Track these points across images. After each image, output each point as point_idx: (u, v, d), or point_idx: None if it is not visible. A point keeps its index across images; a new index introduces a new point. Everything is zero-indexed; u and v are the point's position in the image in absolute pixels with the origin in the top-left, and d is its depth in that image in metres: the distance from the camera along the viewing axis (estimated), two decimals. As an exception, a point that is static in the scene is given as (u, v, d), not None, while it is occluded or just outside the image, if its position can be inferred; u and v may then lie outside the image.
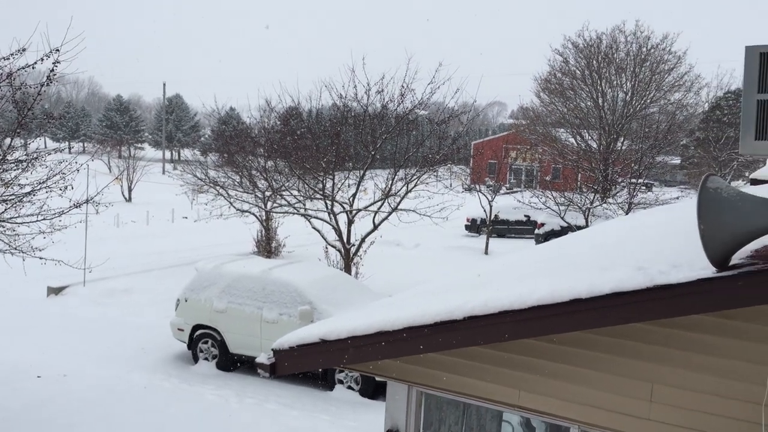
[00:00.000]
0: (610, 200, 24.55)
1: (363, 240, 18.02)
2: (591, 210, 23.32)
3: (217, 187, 22.72)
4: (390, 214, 18.15)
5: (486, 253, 26.29)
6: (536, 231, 27.95)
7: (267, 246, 23.91)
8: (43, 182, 9.93)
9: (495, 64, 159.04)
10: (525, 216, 30.76)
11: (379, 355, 4.66)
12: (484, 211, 28.04)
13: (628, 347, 4.20)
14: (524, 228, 31.29)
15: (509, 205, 30.51)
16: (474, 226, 31.99)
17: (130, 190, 47.45)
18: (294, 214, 20.26)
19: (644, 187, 28.84)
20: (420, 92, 17.91)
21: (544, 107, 37.48)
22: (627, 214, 21.90)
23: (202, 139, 74.30)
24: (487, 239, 26.99)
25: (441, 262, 23.37)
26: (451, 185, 29.02)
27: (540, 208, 24.52)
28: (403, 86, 17.57)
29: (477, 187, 28.31)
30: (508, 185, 44.37)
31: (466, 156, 35.60)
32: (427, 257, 24.65)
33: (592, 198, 23.79)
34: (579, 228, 20.67)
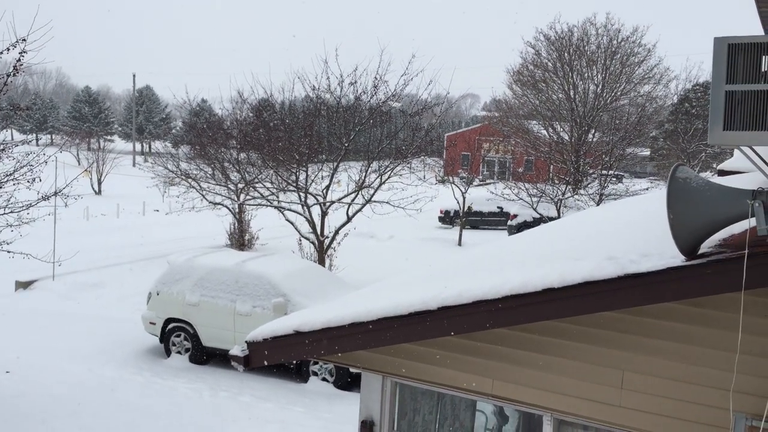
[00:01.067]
0: (582, 191, 24.80)
1: (337, 232, 18.00)
2: (563, 201, 23.54)
3: (189, 180, 22.49)
4: (364, 206, 18.14)
5: (459, 244, 26.42)
6: (509, 222, 28.13)
7: (240, 238, 23.76)
8: (10, 174, 9.75)
9: (468, 56, 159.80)
10: (498, 207, 30.95)
11: (353, 346, 4.66)
12: (458, 202, 28.16)
13: (600, 336, 4.26)
14: (497, 219, 31.49)
15: (482, 196, 30.68)
16: (447, 218, 32.11)
17: (99, 183, 46.76)
18: (267, 206, 20.16)
19: (615, 179, 29.19)
20: (393, 84, 17.91)
21: (516, 99, 37.66)
22: (598, 205, 22.16)
23: (174, 131, 73.44)
24: (461, 231, 27.13)
25: (415, 253, 23.43)
26: (424, 177, 29.10)
27: (513, 200, 24.69)
28: (376, 78, 17.57)
29: (450, 179, 28.42)
30: (481, 177, 44.60)
31: (439, 148, 35.67)
32: (401, 249, 24.70)
33: (563, 189, 24.01)
34: (551, 219, 20.85)
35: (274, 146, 18.99)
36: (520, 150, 35.73)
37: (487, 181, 40.36)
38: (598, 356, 4.29)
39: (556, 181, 26.18)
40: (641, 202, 9.13)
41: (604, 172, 25.52)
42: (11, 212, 9.87)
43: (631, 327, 4.16)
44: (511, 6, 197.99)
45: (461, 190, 27.49)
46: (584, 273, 3.84)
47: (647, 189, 26.45)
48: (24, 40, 8.61)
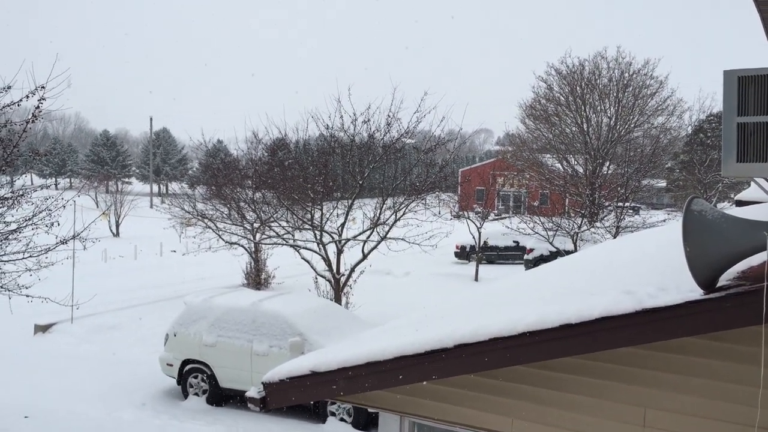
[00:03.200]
0: (598, 224, 24.66)
1: (352, 269, 17.98)
2: (579, 234, 23.40)
3: (206, 220, 22.65)
4: (379, 243, 18.14)
5: (476, 279, 26.27)
6: (526, 256, 27.97)
7: (256, 278, 23.79)
8: (29, 219, 9.87)
9: (480, 92, 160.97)
10: (514, 242, 30.81)
11: (369, 386, 4.62)
12: (473, 237, 28.09)
13: (620, 372, 4.19)
14: (514, 254, 31.33)
15: (498, 231, 30.58)
16: (464, 253, 32.01)
17: (117, 225, 47.19)
18: (283, 245, 20.21)
19: (631, 211, 29.00)
20: (406, 121, 18.04)
21: (529, 133, 37.79)
22: (615, 237, 22.01)
23: (190, 172, 74.26)
24: (477, 266, 27.01)
25: (431, 289, 23.32)
26: (439, 213, 29.12)
27: (528, 234, 24.58)
28: (389, 116, 17.70)
29: (465, 214, 28.39)
30: (496, 211, 44.53)
31: (453, 183, 35.74)
32: (418, 285, 24.60)
33: (579, 222, 23.89)
34: (568, 252, 20.73)
35: (288, 185, 19.13)
36: (535, 184, 35.69)
37: (503, 216, 40.25)
38: (619, 393, 4.22)
39: (572, 215, 26.09)
40: (658, 233, 9.06)
41: (620, 204, 25.39)
42: (30, 257, 9.96)
43: (651, 362, 4.09)
44: (521, 42, 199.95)
45: (477, 225, 27.44)
46: (601, 308, 3.80)
47: (664, 221, 26.23)
48: (43, 87, 8.80)
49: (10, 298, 10.49)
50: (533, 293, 5.65)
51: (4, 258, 9.89)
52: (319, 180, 18.35)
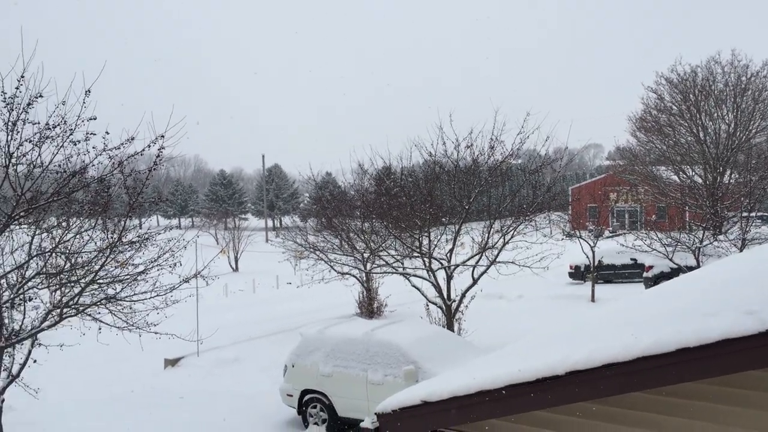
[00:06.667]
0: (721, 237, 23.31)
1: (463, 295, 17.87)
2: (701, 249, 22.23)
3: (317, 252, 23.25)
4: (488, 267, 17.96)
5: (592, 300, 25.45)
6: (645, 274, 26.81)
7: (369, 306, 24.11)
8: (155, 261, 10.54)
9: (586, 106, 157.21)
10: (632, 259, 29.62)
11: (481, 415, 4.60)
12: (587, 257, 27.27)
13: (742, 396, 3.97)
14: (632, 272, 30.10)
15: (613, 249, 29.52)
16: (578, 273, 31.12)
17: (236, 260, 49.28)
18: (393, 273, 20.41)
19: (759, 221, 27.27)
20: (510, 143, 17.88)
21: (641, 146, 36.50)
22: (741, 251, 20.75)
23: (301, 205, 76.60)
24: (593, 286, 26.15)
25: (546, 312, 22.79)
26: (551, 233, 28.48)
27: (645, 251, 23.58)
28: (492, 139, 17.61)
29: (578, 233, 27.62)
30: (610, 229, 43.05)
31: (564, 202, 34.98)
32: (531, 308, 24.11)
33: (701, 236, 22.70)
34: (690, 269, 19.72)
35: (395, 214, 19.34)
36: (650, 198, 34.31)
37: (617, 233, 38.84)
38: (742, 419, 3.98)
39: (694, 228, 24.84)
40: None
41: (745, 214, 23.94)
42: (157, 296, 10.61)
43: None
44: (628, 53, 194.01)
45: (590, 244, 26.64)
46: (720, 330, 3.63)
47: (796, 230, 24.48)
48: (162, 136, 9.44)
49: (140, 336, 11.19)
50: (650, 315, 5.45)
51: (134, 298, 10.58)
52: (425, 207, 18.45)
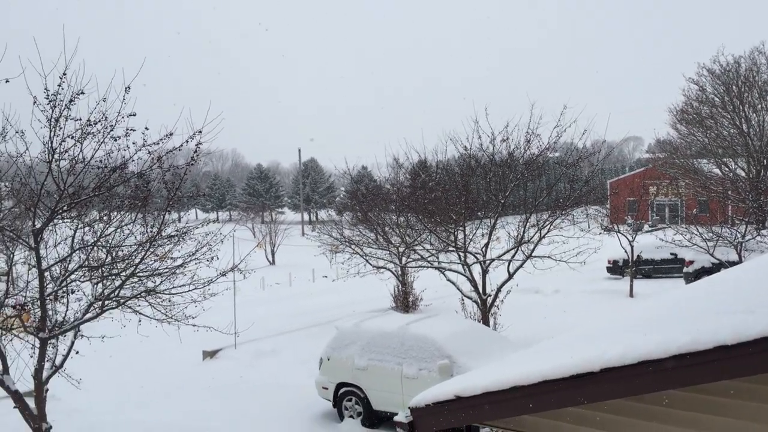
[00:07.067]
0: (765, 232, 22.76)
1: (499, 289, 17.77)
2: (743, 244, 21.74)
3: (352, 246, 23.33)
4: (524, 261, 17.82)
5: (631, 295, 25.10)
6: (685, 269, 26.34)
7: (404, 300, 24.14)
8: (193, 254, 10.71)
9: (625, 98, 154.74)
10: (672, 254, 29.09)
11: (514, 411, 4.59)
12: (625, 251, 26.88)
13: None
14: (671, 267, 29.58)
15: (652, 243, 29.02)
16: (616, 268, 30.70)
17: (273, 254, 49.72)
18: (428, 267, 20.38)
19: (804, 215, 26.54)
20: (546, 137, 17.69)
21: (682, 139, 35.79)
22: (786, 245, 20.24)
23: (337, 199, 76.94)
24: (631, 281, 25.78)
25: (583, 307, 22.55)
26: (588, 227, 28.11)
27: (685, 246, 23.13)
28: (528, 132, 17.44)
29: (616, 227, 27.22)
30: (650, 223, 42.35)
31: (602, 196, 34.48)
32: (568, 303, 23.88)
33: (743, 231, 22.19)
34: (731, 264, 19.31)
35: (431, 208, 19.31)
36: (691, 192, 33.65)
37: (657, 227, 38.20)
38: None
39: (736, 222, 24.30)
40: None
41: (790, 208, 23.34)
42: (195, 289, 10.78)
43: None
44: (666, 44, 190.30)
45: (628, 239, 26.24)
46: (760, 328, 3.56)
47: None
48: (200, 132, 9.57)
49: (179, 328, 11.39)
50: (688, 311, 5.37)
51: (173, 290, 10.78)
52: (460, 201, 18.38)
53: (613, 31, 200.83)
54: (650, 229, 41.16)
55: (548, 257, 17.77)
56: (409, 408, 5.09)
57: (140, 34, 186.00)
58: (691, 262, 25.48)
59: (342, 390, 13.48)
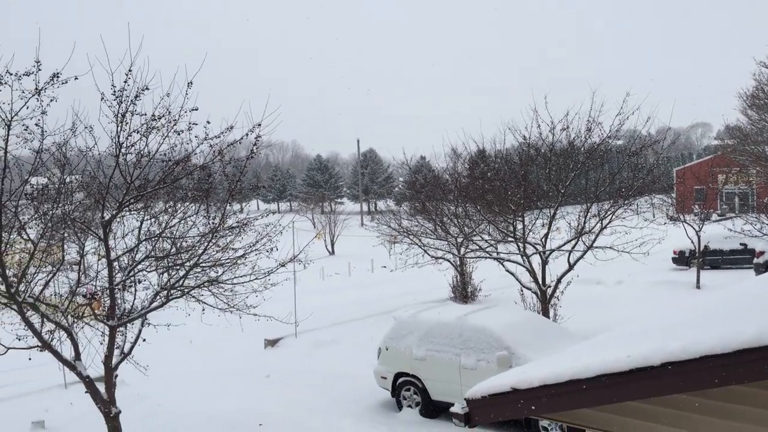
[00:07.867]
0: (842, 222, 21.76)
1: (559, 280, 17.53)
2: (819, 234, 20.84)
3: (411, 236, 23.36)
4: (585, 252, 17.51)
5: (698, 287, 24.39)
6: (756, 260, 25.44)
7: (463, 291, 24.07)
8: (253, 245, 10.94)
9: (693, 84, 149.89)
10: (741, 244, 28.11)
11: (572, 405, 4.54)
12: (692, 241, 26.11)
13: None
14: (741, 258, 28.59)
15: (720, 233, 28.10)
16: (682, 259, 29.85)
17: (332, 244, 50.24)
18: (487, 258, 20.25)
19: None
20: (608, 125, 17.29)
21: (753, 125, 34.43)
22: None
23: (395, 189, 77.09)
24: (698, 272, 25.02)
25: (646, 299, 22.04)
26: (653, 216, 27.42)
27: (755, 236, 22.30)
28: (589, 120, 17.09)
29: (682, 217, 26.43)
30: (718, 212, 41.00)
31: (667, 185, 33.50)
32: (631, 295, 23.36)
33: (819, 220, 21.27)
34: (805, 254, 18.53)
35: (489, 198, 19.15)
36: (762, 179, 32.40)
37: (726, 216, 36.91)
38: None
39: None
40: None
41: None
42: (255, 279, 11.01)
43: None
44: (732, 28, 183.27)
45: (694, 229, 25.46)
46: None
47: None
48: (259, 125, 9.75)
49: (240, 317, 11.65)
50: (754, 304, 5.20)
51: (235, 280, 11.03)
52: (519, 191, 18.18)
53: (684, 15, 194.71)
54: (718, 218, 39.84)
55: (610, 248, 17.42)
56: (465, 399, 5.09)
57: (206, 29, 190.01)
58: (762, 253, 24.61)
59: (400, 380, 13.55)
